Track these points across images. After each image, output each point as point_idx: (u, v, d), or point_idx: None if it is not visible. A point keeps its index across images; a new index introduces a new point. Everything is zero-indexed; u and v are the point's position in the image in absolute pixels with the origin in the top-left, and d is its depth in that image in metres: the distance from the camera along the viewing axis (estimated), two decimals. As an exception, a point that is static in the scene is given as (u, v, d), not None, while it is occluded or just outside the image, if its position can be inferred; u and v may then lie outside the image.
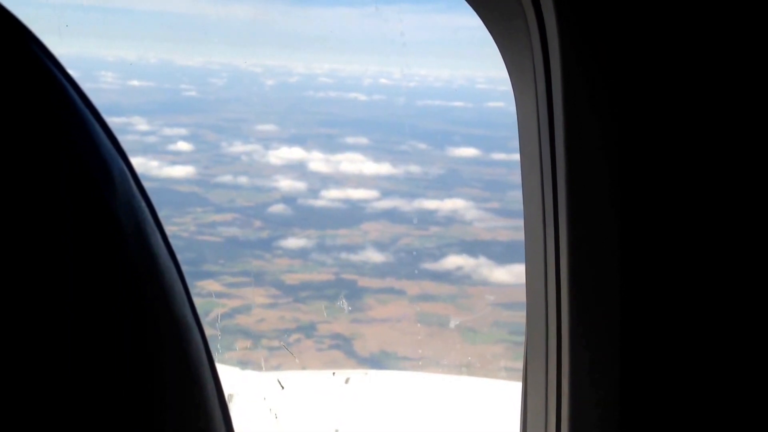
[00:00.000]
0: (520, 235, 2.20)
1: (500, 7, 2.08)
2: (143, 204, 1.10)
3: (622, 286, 1.92)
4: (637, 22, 1.85)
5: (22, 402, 0.87)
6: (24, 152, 0.91)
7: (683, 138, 1.87)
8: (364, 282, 28.95)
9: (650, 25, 1.85)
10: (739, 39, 1.86)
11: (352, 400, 6.89)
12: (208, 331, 1.24)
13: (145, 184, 1.13)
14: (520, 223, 2.20)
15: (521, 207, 2.20)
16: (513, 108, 2.20)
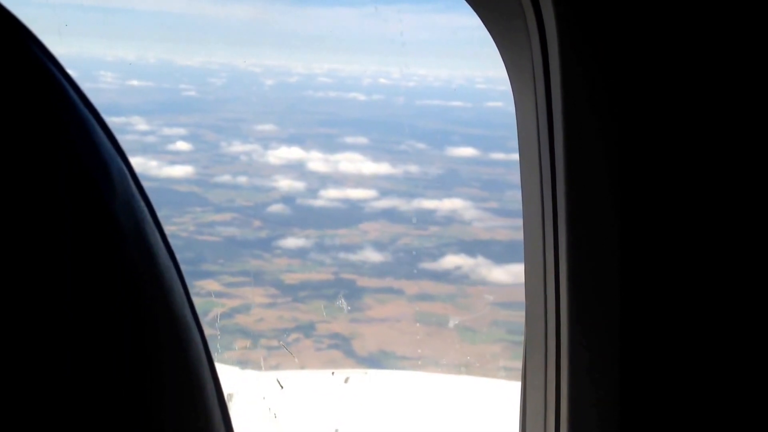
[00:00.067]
0: (519, 235, 2.21)
1: (499, 7, 2.08)
2: (142, 204, 1.10)
3: (622, 286, 1.92)
4: (636, 22, 1.85)
5: (21, 402, 0.87)
6: (23, 152, 0.91)
7: (682, 138, 1.87)
8: (363, 282, 28.93)
9: (649, 25, 1.85)
10: (738, 39, 1.86)
11: (352, 400, 6.89)
12: (208, 331, 1.24)
13: (144, 184, 1.13)
14: (519, 222, 2.20)
15: (520, 207, 2.20)
16: (512, 108, 2.20)
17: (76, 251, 0.94)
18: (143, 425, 1.03)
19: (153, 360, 1.06)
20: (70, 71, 1.06)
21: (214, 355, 1.24)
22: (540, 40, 1.94)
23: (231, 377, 7.21)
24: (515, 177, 2.20)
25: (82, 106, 1.04)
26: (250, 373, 7.73)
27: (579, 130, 1.89)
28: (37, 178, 0.92)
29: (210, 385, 1.20)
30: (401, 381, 7.96)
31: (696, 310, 1.92)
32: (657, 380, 1.94)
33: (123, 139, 1.11)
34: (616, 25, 1.85)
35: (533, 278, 2.14)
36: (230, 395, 6.65)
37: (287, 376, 7.28)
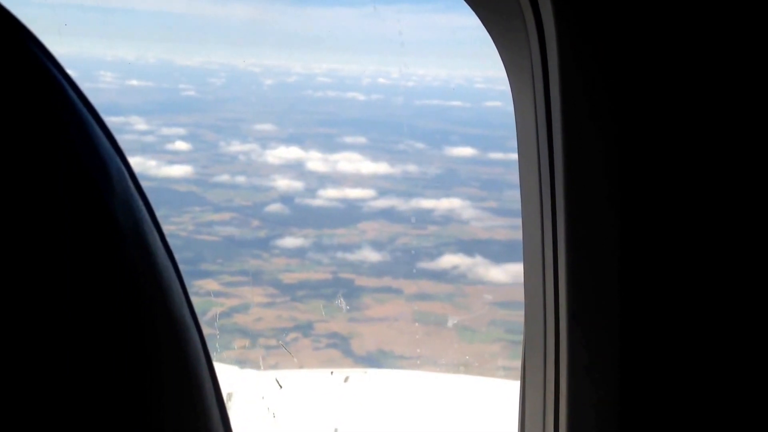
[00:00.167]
0: (518, 234, 2.21)
1: (498, 6, 2.08)
2: (141, 204, 1.10)
3: (621, 285, 1.92)
4: (635, 21, 1.85)
5: (19, 402, 0.87)
6: (22, 152, 0.92)
7: (681, 137, 1.87)
8: (361, 281, 28.95)
9: (648, 25, 1.85)
10: (737, 39, 1.86)
11: (351, 399, 6.89)
12: (206, 330, 1.24)
13: (143, 184, 1.13)
14: (518, 222, 2.20)
15: (518, 206, 2.20)
16: (511, 107, 2.21)
17: (75, 251, 0.94)
18: (142, 425, 1.03)
19: (152, 360, 1.06)
20: (69, 71, 1.06)
21: (213, 355, 1.24)
22: (539, 40, 1.94)
23: (230, 376, 7.20)
24: (514, 176, 2.21)
25: (81, 105, 1.04)
26: (249, 373, 7.72)
27: (578, 129, 1.89)
28: (36, 178, 0.92)
29: (208, 385, 1.20)
30: (400, 380, 7.94)
31: (695, 310, 1.92)
32: (656, 379, 1.94)
33: (122, 139, 1.11)
34: (614, 25, 1.85)
35: (532, 277, 2.14)
36: (230, 394, 6.65)
37: (286, 375, 7.28)
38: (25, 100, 0.94)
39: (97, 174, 1.01)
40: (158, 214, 1.15)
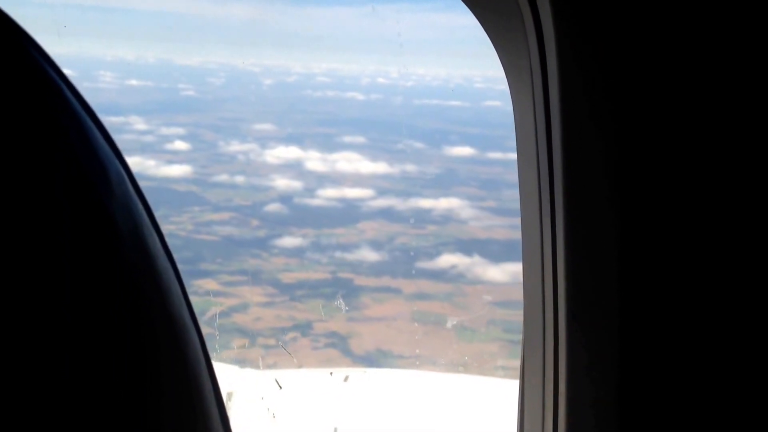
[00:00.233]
0: (516, 234, 2.21)
1: (497, 6, 2.08)
2: (140, 206, 1.10)
3: (620, 285, 1.92)
4: (634, 21, 1.85)
5: (20, 403, 0.88)
6: (21, 155, 0.92)
7: (680, 136, 1.87)
8: (360, 281, 28.93)
9: (647, 24, 1.85)
10: (736, 39, 1.86)
11: (351, 399, 6.89)
12: (205, 330, 1.24)
13: (142, 184, 1.13)
14: (516, 221, 2.20)
15: (517, 206, 2.20)
16: (510, 107, 2.21)
17: (74, 253, 0.94)
18: (142, 425, 1.03)
19: (151, 360, 1.06)
20: (69, 71, 1.06)
21: (212, 354, 1.24)
22: (537, 39, 1.94)
23: (230, 376, 7.21)
24: (513, 176, 2.21)
25: (79, 108, 1.04)
26: (249, 372, 7.72)
27: (576, 129, 1.89)
28: (36, 181, 0.92)
29: (208, 385, 1.20)
30: (400, 380, 7.95)
31: (694, 309, 1.92)
32: (655, 379, 1.94)
33: (121, 139, 1.11)
34: (612, 24, 1.85)
35: (531, 277, 2.14)
36: (229, 394, 6.65)
37: (285, 375, 7.28)
38: (24, 103, 0.94)
39: (96, 177, 1.01)
40: (157, 213, 1.15)
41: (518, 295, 2.23)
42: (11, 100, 0.93)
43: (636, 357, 1.94)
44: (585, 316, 1.96)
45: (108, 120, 1.10)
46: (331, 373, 7.52)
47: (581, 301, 1.95)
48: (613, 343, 1.94)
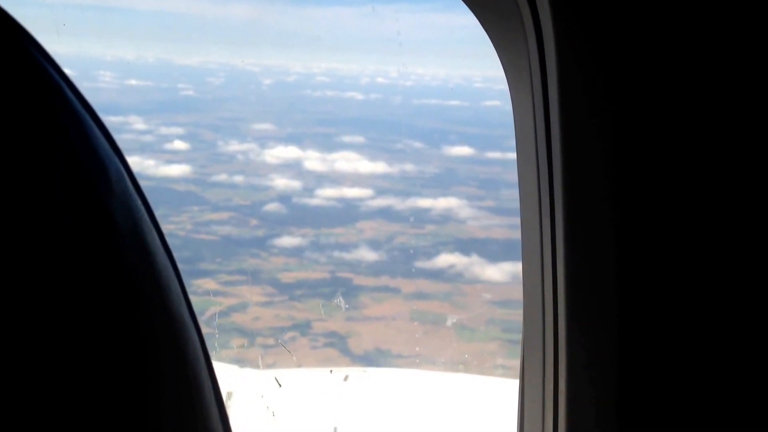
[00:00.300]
0: (515, 234, 2.21)
1: (496, 6, 2.08)
2: (140, 203, 1.10)
3: (619, 284, 1.92)
4: (633, 20, 1.85)
5: (18, 401, 0.88)
6: (20, 152, 0.92)
7: (680, 136, 1.88)
8: (359, 280, 28.96)
9: (646, 24, 1.85)
10: (735, 38, 1.86)
11: (351, 398, 6.89)
12: (205, 330, 1.24)
13: (142, 183, 1.13)
14: (515, 221, 2.20)
15: (516, 205, 2.20)
16: (509, 106, 2.21)
17: (73, 251, 0.94)
18: (141, 424, 1.03)
19: (150, 358, 1.06)
20: (68, 71, 1.06)
21: (212, 354, 1.24)
22: (537, 39, 1.94)
23: (230, 376, 7.21)
24: (511, 176, 2.21)
25: (79, 106, 1.04)
26: (249, 372, 7.72)
27: (576, 128, 1.89)
28: (35, 179, 0.92)
29: (207, 384, 1.20)
30: (400, 379, 7.95)
31: (693, 309, 1.92)
32: (655, 378, 1.95)
33: (120, 139, 1.11)
34: (612, 24, 1.86)
35: (531, 276, 2.14)
36: (229, 393, 6.65)
37: (285, 374, 7.28)
38: (23, 101, 0.94)
39: (95, 174, 1.01)
40: (157, 213, 1.15)
41: (517, 294, 2.23)
42: (11, 97, 0.93)
43: (635, 356, 1.94)
44: (584, 315, 1.96)
45: (107, 120, 1.10)
46: (330, 371, 7.52)
47: (581, 301, 1.95)
48: (613, 342, 1.94)
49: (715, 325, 1.93)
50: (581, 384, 1.98)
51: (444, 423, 6.77)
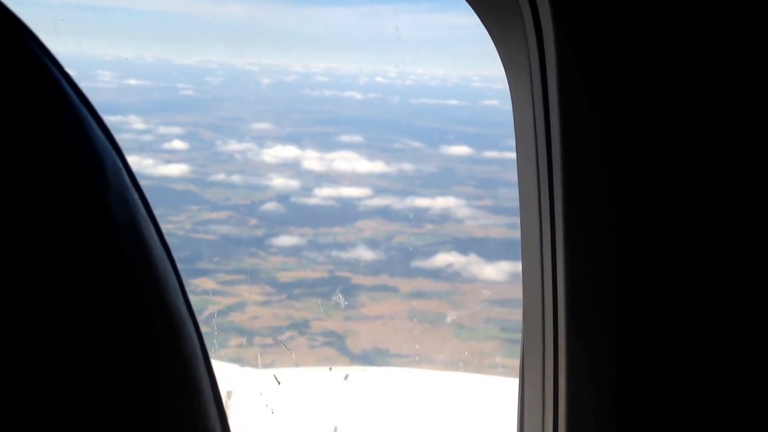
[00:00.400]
0: (513, 233, 2.21)
1: (497, 5, 2.08)
2: (136, 197, 1.10)
3: (619, 283, 1.93)
4: (633, 18, 1.85)
5: (15, 395, 0.88)
6: (18, 145, 0.92)
7: (679, 135, 1.88)
8: (357, 279, 28.94)
9: (645, 22, 1.85)
10: (735, 38, 1.86)
11: (351, 397, 6.89)
12: (203, 329, 1.24)
13: (141, 183, 1.14)
14: (513, 220, 2.21)
15: (514, 204, 2.20)
16: (508, 106, 2.21)
17: (70, 244, 0.94)
18: (139, 418, 1.03)
19: (147, 352, 1.06)
20: (67, 71, 1.06)
21: (211, 353, 1.24)
22: (536, 37, 1.95)
23: (229, 375, 7.21)
24: (510, 175, 2.22)
25: (77, 100, 1.04)
26: (248, 371, 7.72)
27: (576, 126, 1.90)
28: (32, 171, 0.92)
29: (205, 379, 1.20)
30: (400, 378, 7.95)
31: (693, 308, 1.92)
32: (654, 377, 1.95)
33: (119, 138, 1.11)
34: (612, 22, 1.86)
35: (530, 275, 2.15)
36: (229, 393, 6.65)
37: (284, 373, 7.28)
38: (21, 94, 0.94)
39: (92, 167, 1.01)
40: (156, 213, 1.15)
41: (514, 293, 2.24)
42: (9, 91, 0.93)
43: (635, 355, 1.94)
44: (584, 314, 1.96)
45: (107, 119, 1.10)
46: (330, 369, 7.52)
47: (580, 300, 1.95)
48: (613, 341, 1.94)
49: (715, 324, 1.93)
50: (581, 383, 1.98)
51: (444, 422, 6.77)
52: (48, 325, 0.90)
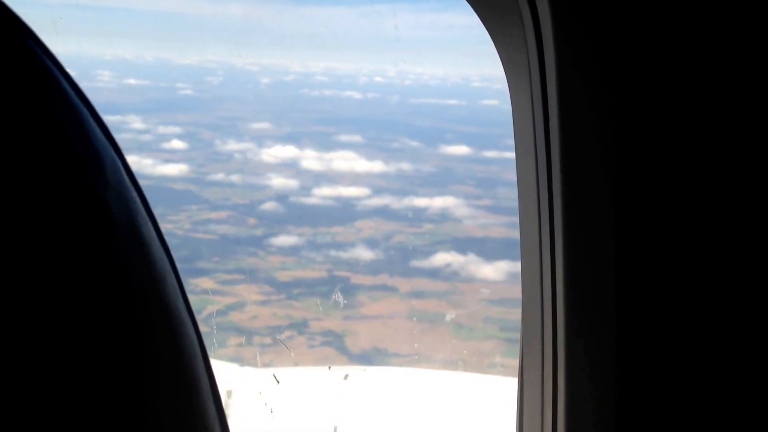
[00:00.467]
0: (511, 232, 2.22)
1: (497, 4, 2.08)
2: (135, 195, 1.11)
3: (618, 283, 1.93)
4: (632, 18, 1.85)
5: (14, 394, 0.88)
6: (18, 144, 0.92)
7: (678, 134, 1.88)
8: (356, 279, 28.92)
9: (644, 21, 1.86)
10: (735, 38, 1.86)
11: (350, 396, 6.89)
12: (203, 328, 1.24)
13: (140, 182, 1.14)
14: (512, 220, 2.21)
15: (513, 204, 2.20)
16: (507, 106, 2.21)
17: (69, 242, 0.94)
18: (138, 418, 1.03)
19: (146, 350, 1.06)
20: (67, 70, 1.06)
21: (210, 352, 1.24)
22: (536, 37, 1.95)
23: (229, 374, 7.21)
24: (509, 175, 2.22)
25: (76, 98, 1.04)
26: (248, 370, 7.72)
27: (575, 126, 1.90)
28: (32, 170, 0.92)
29: (204, 379, 1.20)
30: (399, 377, 7.95)
31: (692, 308, 1.93)
32: (653, 377, 1.95)
33: (119, 138, 1.12)
34: (611, 22, 1.86)
35: (530, 275, 2.15)
36: (229, 392, 6.65)
37: (284, 372, 7.28)
38: (21, 93, 0.95)
39: (91, 166, 1.01)
40: (155, 212, 1.15)
41: (513, 292, 2.24)
42: (9, 91, 0.93)
43: (634, 355, 1.94)
44: (583, 314, 1.96)
45: (106, 119, 1.10)
46: (329, 368, 7.52)
47: (580, 299, 1.95)
48: (612, 340, 1.94)
49: (714, 324, 1.93)
50: (580, 382, 1.98)
51: (443, 422, 6.77)
52: (47, 324, 0.90)
